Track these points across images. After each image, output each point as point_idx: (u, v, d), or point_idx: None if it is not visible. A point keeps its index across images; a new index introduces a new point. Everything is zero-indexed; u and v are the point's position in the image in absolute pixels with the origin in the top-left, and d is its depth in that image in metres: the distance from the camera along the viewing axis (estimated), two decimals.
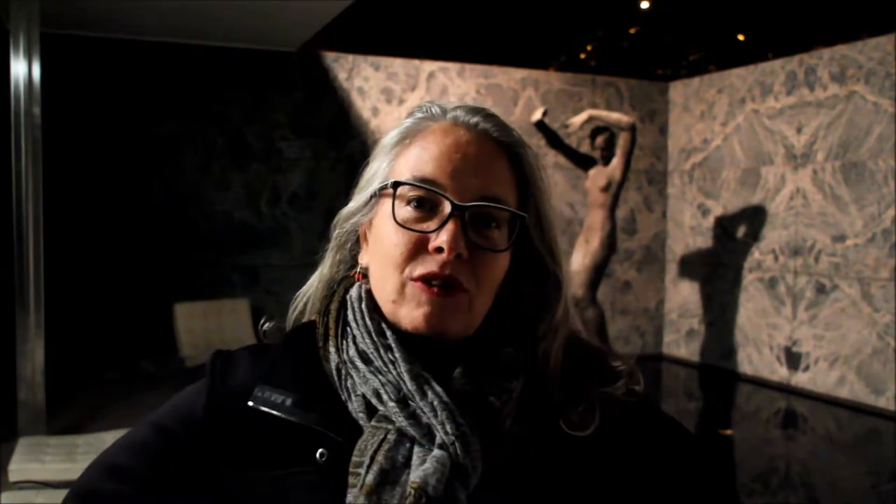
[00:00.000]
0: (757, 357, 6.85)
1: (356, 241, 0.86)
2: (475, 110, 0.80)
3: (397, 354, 0.73)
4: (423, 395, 0.71)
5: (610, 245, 6.31)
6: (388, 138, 0.82)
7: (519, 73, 7.40)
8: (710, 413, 6.46)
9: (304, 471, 0.72)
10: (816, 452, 5.41)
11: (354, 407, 0.73)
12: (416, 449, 0.69)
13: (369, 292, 0.79)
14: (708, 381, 7.22)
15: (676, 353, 7.80)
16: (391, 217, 0.76)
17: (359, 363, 0.74)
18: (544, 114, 6.47)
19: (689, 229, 7.69)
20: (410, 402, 0.71)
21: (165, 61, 6.28)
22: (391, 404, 0.71)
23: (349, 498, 0.68)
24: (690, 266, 7.65)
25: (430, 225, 0.75)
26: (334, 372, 0.76)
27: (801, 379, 6.42)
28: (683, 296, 7.74)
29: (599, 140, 6.28)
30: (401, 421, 0.70)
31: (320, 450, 0.72)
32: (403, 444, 0.70)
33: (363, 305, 0.78)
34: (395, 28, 8.06)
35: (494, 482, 0.71)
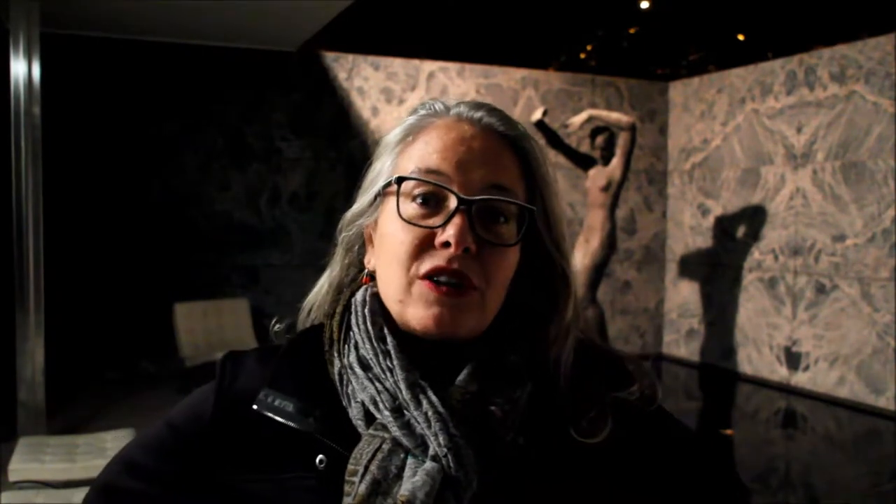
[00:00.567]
0: (757, 357, 6.85)
1: (363, 244, 0.83)
2: (479, 105, 0.79)
3: (395, 362, 0.72)
4: (419, 405, 0.69)
5: (610, 245, 6.32)
6: (391, 136, 0.80)
7: (519, 73, 7.40)
8: (710, 413, 6.46)
9: (305, 476, 0.72)
10: (816, 452, 5.41)
11: (354, 414, 0.73)
12: (410, 460, 0.68)
13: (374, 296, 0.78)
14: (708, 380, 7.22)
15: (676, 353, 7.80)
16: (396, 214, 0.74)
17: (358, 369, 0.73)
18: (544, 114, 6.47)
19: (689, 229, 7.69)
20: (405, 411, 0.70)
21: (165, 61, 6.28)
22: (386, 413, 0.70)
23: None
24: (690, 266, 7.65)
25: (436, 220, 0.73)
26: (336, 377, 0.75)
27: (801, 379, 6.42)
28: (683, 296, 7.74)
29: (599, 140, 6.28)
30: (395, 430, 0.69)
31: (320, 456, 0.72)
32: (398, 454, 0.69)
33: (366, 310, 0.76)
34: (395, 28, 8.06)
35: (496, 494, 0.70)
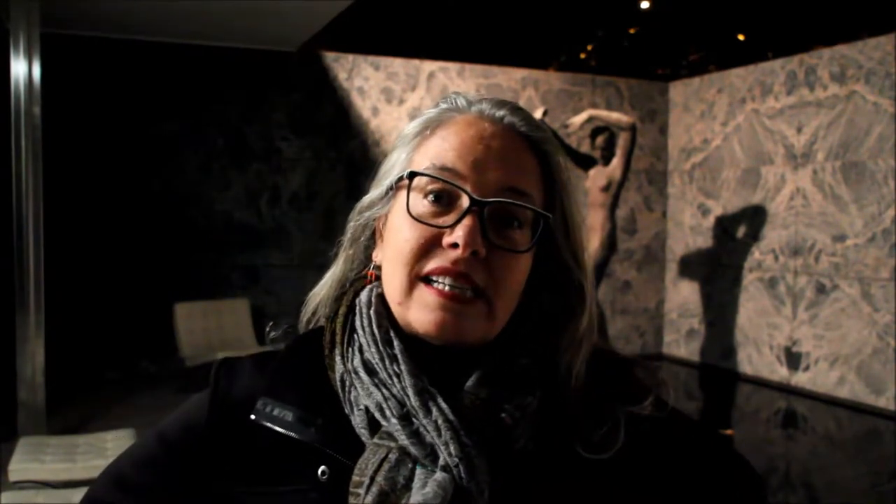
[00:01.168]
0: (757, 357, 6.85)
1: (371, 237, 0.80)
2: (502, 103, 0.76)
3: (403, 367, 0.69)
4: (428, 413, 0.66)
5: (610, 245, 6.32)
6: (409, 128, 0.77)
7: (519, 73, 7.40)
8: (710, 413, 6.45)
9: (306, 489, 0.69)
10: (816, 452, 5.41)
11: (357, 422, 0.69)
12: (419, 470, 0.65)
13: (380, 297, 0.75)
14: (708, 380, 7.22)
15: (676, 353, 7.80)
16: (405, 210, 0.71)
17: (362, 374, 0.70)
18: (544, 114, 6.47)
19: (689, 229, 7.69)
20: (414, 419, 0.67)
21: (165, 61, 6.28)
22: (394, 421, 0.67)
23: None
24: (690, 266, 7.65)
25: (446, 220, 0.70)
26: (338, 383, 0.72)
27: (801, 379, 6.42)
28: (683, 296, 7.74)
29: (599, 140, 6.29)
30: (403, 439, 0.66)
31: (322, 467, 0.69)
32: (405, 464, 0.65)
33: (372, 311, 0.73)
34: (395, 28, 8.05)
35: (505, 503, 0.67)
